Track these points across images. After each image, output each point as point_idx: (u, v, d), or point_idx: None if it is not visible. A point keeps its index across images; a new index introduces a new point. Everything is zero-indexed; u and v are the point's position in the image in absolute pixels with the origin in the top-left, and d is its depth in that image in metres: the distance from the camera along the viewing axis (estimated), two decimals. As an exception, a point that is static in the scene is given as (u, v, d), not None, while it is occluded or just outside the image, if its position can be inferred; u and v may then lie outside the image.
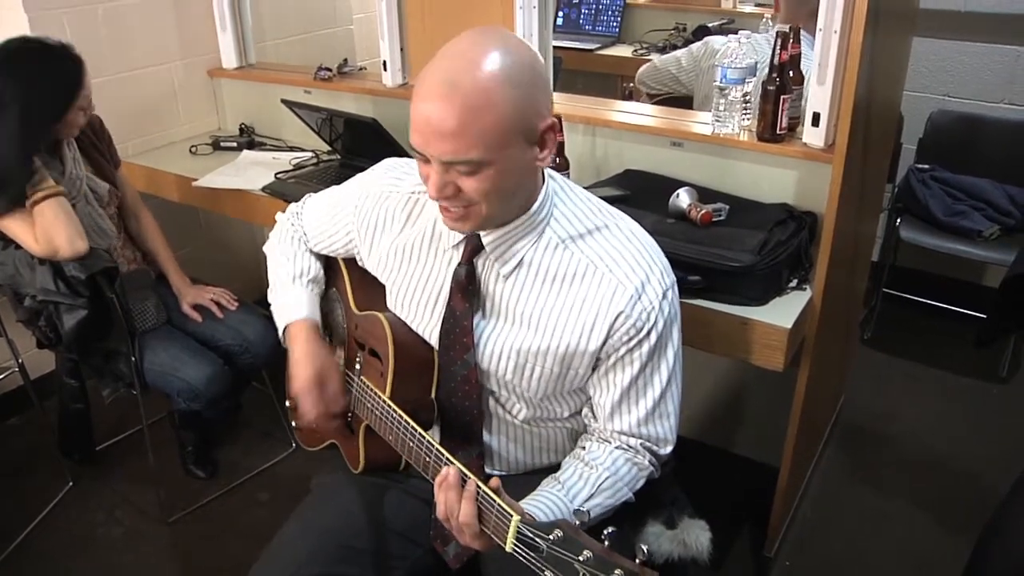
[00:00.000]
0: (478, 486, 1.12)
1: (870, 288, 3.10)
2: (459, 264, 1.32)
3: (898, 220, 3.14)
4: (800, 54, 1.94)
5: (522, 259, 1.29)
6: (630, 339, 1.26)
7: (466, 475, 1.14)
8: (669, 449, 1.37)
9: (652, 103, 3.04)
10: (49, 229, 1.99)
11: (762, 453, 2.45)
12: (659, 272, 1.28)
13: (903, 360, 3.20)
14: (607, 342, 1.27)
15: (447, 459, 1.20)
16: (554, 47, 3.23)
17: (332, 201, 1.54)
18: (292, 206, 1.65)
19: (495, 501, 1.08)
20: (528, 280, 1.29)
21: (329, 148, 2.69)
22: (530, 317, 1.29)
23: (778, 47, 1.90)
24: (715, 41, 2.85)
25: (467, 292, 1.32)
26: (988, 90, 3.25)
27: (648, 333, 1.26)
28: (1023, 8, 3.01)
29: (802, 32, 1.98)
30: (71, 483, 2.55)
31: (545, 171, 1.29)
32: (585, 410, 1.39)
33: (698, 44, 2.92)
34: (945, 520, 2.37)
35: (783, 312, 1.75)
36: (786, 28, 1.97)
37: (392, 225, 1.41)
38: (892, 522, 2.38)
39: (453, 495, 1.14)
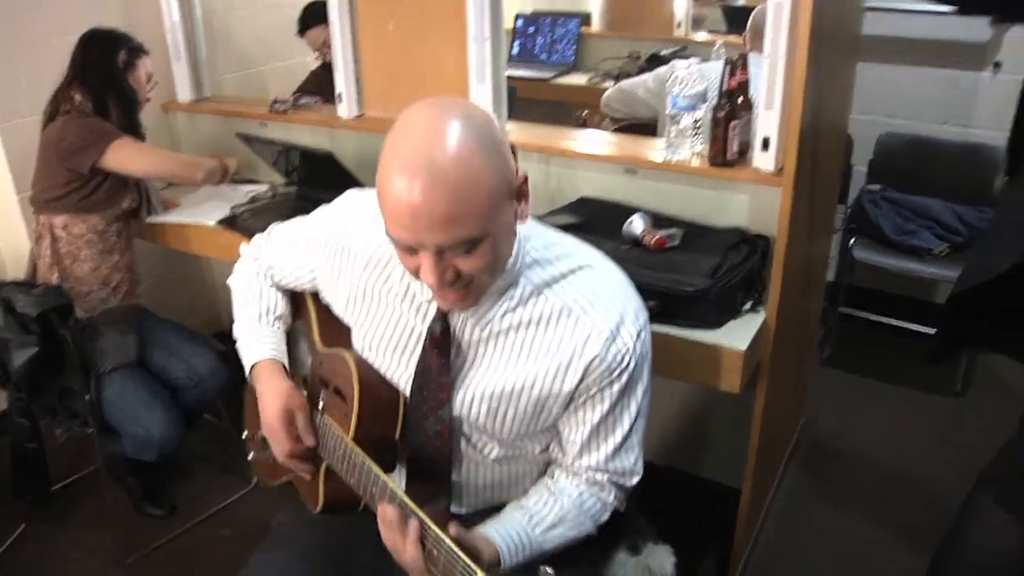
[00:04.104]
0: (437, 533, 1.09)
1: (827, 308, 3.14)
2: (434, 320, 1.29)
3: (851, 240, 3.20)
4: (748, 80, 1.97)
5: (499, 310, 1.27)
6: (603, 379, 1.26)
7: (427, 526, 1.11)
8: (636, 480, 1.38)
9: (616, 128, 3.08)
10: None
11: (725, 475, 2.47)
12: (633, 312, 1.28)
13: (861, 378, 3.24)
14: (581, 383, 1.26)
15: (411, 508, 1.15)
16: (510, 77, 3.26)
17: (296, 235, 1.51)
18: (256, 237, 1.62)
19: (456, 554, 1.06)
20: (503, 327, 1.28)
21: (286, 181, 2.69)
22: (505, 362, 1.28)
23: (726, 74, 1.94)
24: (680, 64, 2.89)
25: (442, 347, 1.30)
26: (932, 112, 3.35)
27: (621, 373, 1.26)
28: (957, 35, 3.11)
29: (752, 57, 2.02)
30: (24, 525, 2.49)
31: None
32: (553, 444, 1.38)
33: (664, 68, 2.96)
34: (907, 536, 2.40)
35: (738, 335, 1.77)
36: (735, 55, 2.01)
37: (356, 266, 1.38)
38: (854, 541, 2.41)
39: (395, 535, 1.12)
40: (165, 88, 2.90)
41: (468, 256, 1.11)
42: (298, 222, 1.53)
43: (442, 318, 1.29)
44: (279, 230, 1.57)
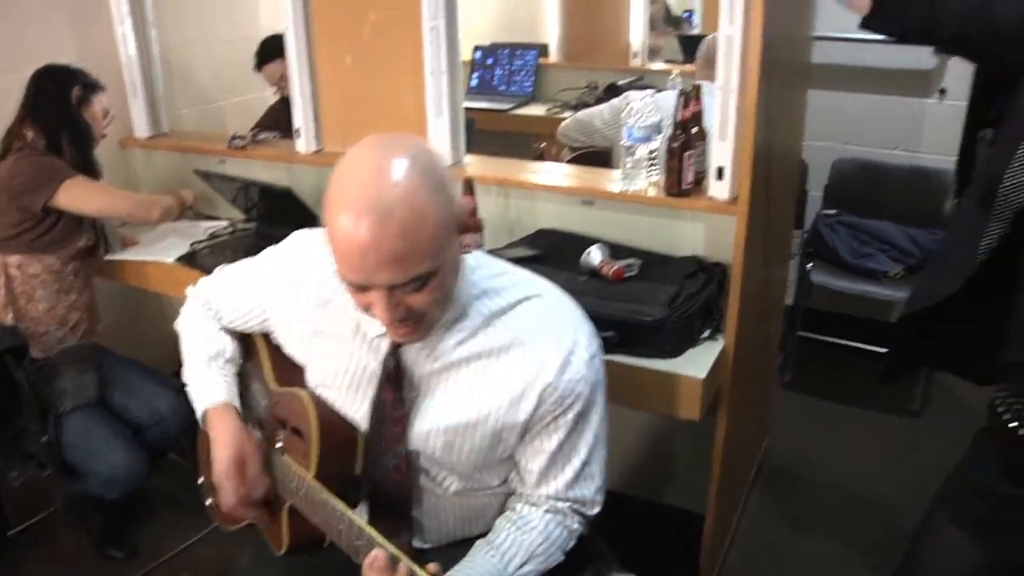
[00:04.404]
0: (413, 571, 1.09)
1: (786, 331, 3.18)
2: (387, 355, 1.30)
3: (809, 264, 3.25)
4: (701, 111, 2.01)
5: (450, 343, 1.27)
6: (557, 407, 1.27)
7: (398, 557, 1.11)
8: (597, 510, 1.38)
9: (572, 157, 3.11)
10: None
11: (689, 501, 2.48)
12: (585, 340, 1.29)
13: (822, 400, 3.28)
14: (536, 413, 1.27)
15: (379, 543, 1.15)
16: (469, 108, 3.28)
17: (243, 278, 1.50)
18: (203, 280, 1.61)
19: None
20: (456, 359, 1.28)
21: (245, 217, 2.68)
22: (459, 394, 1.28)
23: (680, 106, 1.97)
24: (634, 96, 2.93)
25: (396, 382, 1.30)
26: (883, 138, 3.42)
27: (574, 401, 1.27)
28: (903, 64, 3.21)
29: (706, 87, 2.06)
30: (-20, 572, 2.44)
31: None
32: (513, 475, 1.38)
33: (619, 99, 3.00)
34: (871, 556, 2.42)
35: (697, 363, 1.78)
36: (690, 84, 2.05)
37: (306, 305, 1.38)
38: (819, 563, 2.42)
39: None
40: (122, 124, 2.89)
41: (419, 292, 1.13)
42: (245, 263, 1.52)
43: (394, 353, 1.29)
44: (226, 272, 1.56)
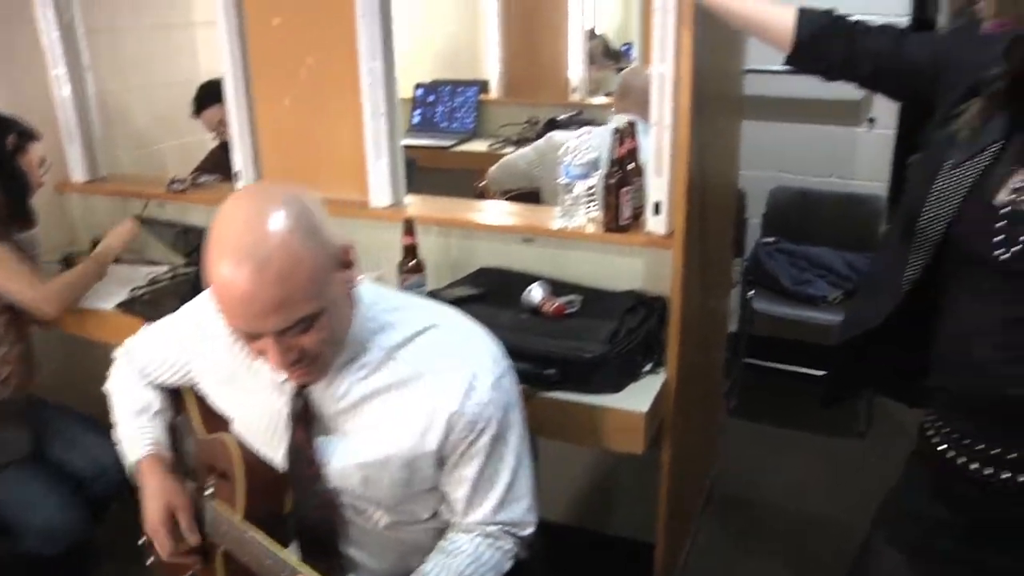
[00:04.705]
0: None
1: (731, 358, 3.23)
2: (294, 396, 1.32)
3: (751, 292, 3.31)
4: (636, 148, 2.04)
5: (353, 379, 1.30)
6: (468, 434, 1.28)
7: None
8: (530, 531, 1.40)
9: (504, 199, 3.14)
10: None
11: (639, 531, 2.48)
12: (489, 362, 1.31)
13: (768, 425, 3.33)
14: (447, 440, 1.28)
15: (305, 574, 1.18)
16: (411, 146, 3.30)
17: (163, 335, 1.54)
18: (128, 341, 1.64)
19: None
20: (362, 395, 1.30)
21: (185, 261, 2.65)
22: (369, 429, 1.31)
23: (616, 143, 2.01)
24: (557, 135, 2.99)
25: (305, 422, 1.32)
26: (818, 166, 3.51)
27: (486, 425, 1.29)
28: (833, 94, 3.32)
29: (640, 123, 2.10)
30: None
31: (355, 289, 1.30)
32: (443, 506, 1.40)
33: (543, 140, 3.05)
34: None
35: (639, 397, 1.80)
36: (624, 122, 2.09)
37: (220, 356, 1.41)
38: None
39: None
40: (58, 168, 2.85)
41: (307, 333, 1.16)
42: (167, 319, 1.56)
43: (301, 394, 1.32)
44: (149, 330, 1.60)
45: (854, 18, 1.48)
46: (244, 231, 1.11)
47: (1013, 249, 1.12)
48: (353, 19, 2.19)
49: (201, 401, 1.53)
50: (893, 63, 1.41)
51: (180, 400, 1.59)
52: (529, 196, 3.02)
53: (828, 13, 1.50)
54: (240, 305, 1.11)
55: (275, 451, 1.38)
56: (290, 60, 2.35)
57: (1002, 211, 1.15)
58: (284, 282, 1.09)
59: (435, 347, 1.31)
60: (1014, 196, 1.14)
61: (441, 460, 1.31)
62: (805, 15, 1.49)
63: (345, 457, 1.32)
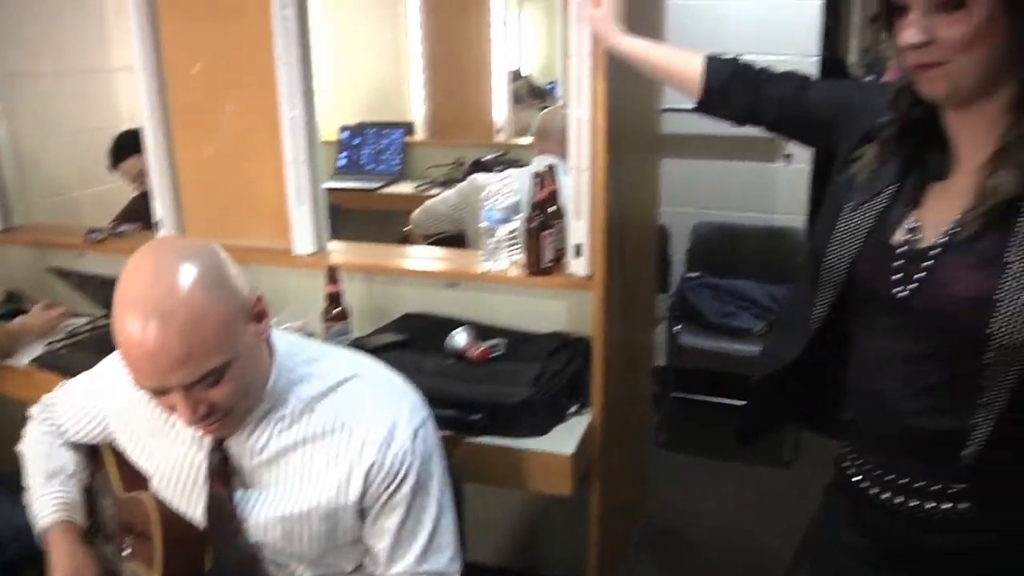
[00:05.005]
0: None
1: (660, 393, 3.27)
2: (212, 451, 1.31)
3: (677, 327, 3.36)
4: (556, 191, 2.07)
5: (272, 432, 1.29)
6: (389, 485, 1.28)
7: None
8: None
9: (428, 243, 3.15)
10: None
11: (571, 570, 2.48)
12: (407, 412, 1.31)
13: (698, 457, 3.37)
14: (367, 492, 1.28)
15: None
16: (337, 189, 3.29)
17: (82, 390, 1.51)
18: (45, 398, 1.60)
19: None
20: (280, 447, 1.30)
21: (105, 313, 2.59)
22: (289, 482, 1.30)
23: (536, 187, 2.03)
24: (479, 178, 3.01)
25: (224, 476, 1.31)
26: (738, 201, 3.60)
27: (406, 476, 1.29)
28: (749, 131, 3.42)
29: (561, 164, 2.13)
30: None
31: (270, 341, 1.30)
32: (366, 558, 1.39)
33: (465, 182, 3.07)
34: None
35: (565, 439, 1.81)
36: (543, 166, 2.12)
37: (140, 410, 1.38)
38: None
39: None
40: (-31, 218, 2.79)
41: (217, 387, 1.15)
42: (83, 375, 1.53)
43: (219, 448, 1.31)
44: (66, 387, 1.57)
45: (760, 65, 1.53)
46: (148, 286, 1.11)
47: (910, 287, 1.16)
48: (273, 66, 2.19)
49: (120, 457, 1.50)
50: (795, 110, 1.46)
51: (99, 457, 1.55)
52: (453, 239, 3.03)
53: (734, 60, 1.55)
54: (145, 361, 1.10)
55: (195, 506, 1.36)
56: (210, 108, 2.34)
57: (899, 250, 1.19)
58: (189, 335, 1.09)
59: (355, 398, 1.31)
60: (909, 236, 1.19)
61: (363, 512, 1.31)
62: (712, 63, 1.54)
63: (265, 511, 1.31)
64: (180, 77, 2.35)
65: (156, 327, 1.08)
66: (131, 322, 1.10)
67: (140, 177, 2.85)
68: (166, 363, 1.10)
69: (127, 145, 2.87)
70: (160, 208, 2.49)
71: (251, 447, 1.30)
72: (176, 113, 2.41)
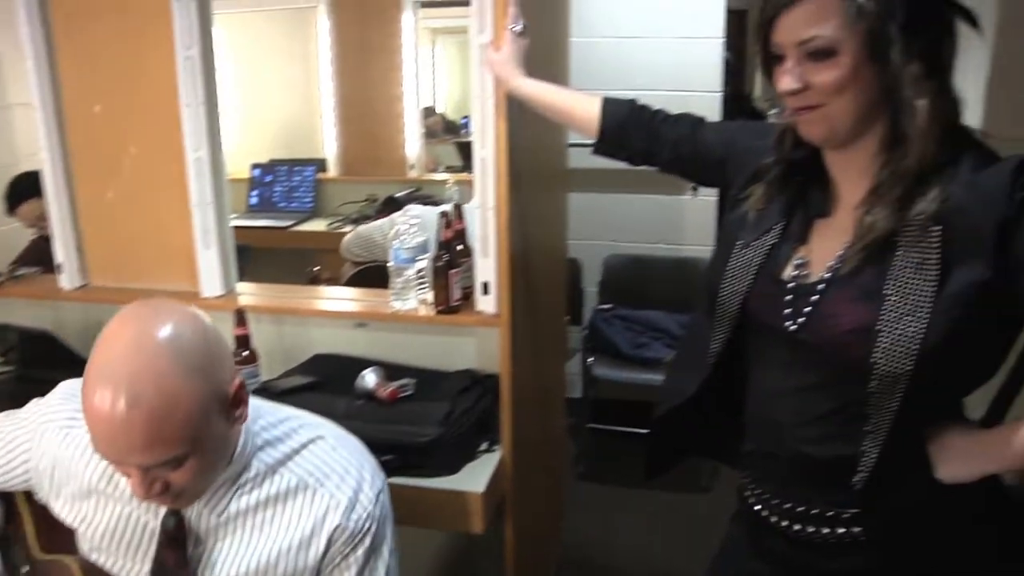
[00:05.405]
0: None
1: (577, 425, 3.30)
2: (166, 514, 1.26)
3: (591, 359, 3.40)
4: (464, 229, 2.09)
5: (232, 495, 1.26)
6: (346, 546, 1.27)
7: None
8: None
9: (356, 271, 3.13)
10: None
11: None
12: (370, 476, 1.32)
13: (617, 488, 3.40)
14: (327, 554, 1.27)
15: None
16: (248, 227, 3.24)
17: (4, 432, 1.41)
18: None
19: None
20: (240, 509, 1.26)
21: (2, 361, 2.50)
22: (247, 543, 1.27)
23: (442, 226, 2.05)
24: (415, 209, 3.01)
25: (177, 541, 1.26)
26: (648, 233, 3.69)
27: (363, 538, 1.28)
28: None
29: (467, 205, 2.14)
30: None
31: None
32: None
33: (400, 212, 3.06)
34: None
35: (475, 477, 1.82)
36: (450, 204, 2.14)
37: (77, 460, 1.31)
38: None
39: None
40: None
41: (176, 471, 1.11)
42: (5, 417, 1.44)
43: (174, 511, 1.26)
44: None
45: (656, 107, 1.58)
46: (124, 358, 1.06)
47: (799, 320, 1.21)
48: (177, 108, 2.17)
49: (37, 513, 1.42)
50: (690, 149, 1.51)
51: (10, 509, 1.45)
52: (384, 269, 3.02)
53: (631, 102, 1.59)
54: (107, 436, 1.06)
55: (137, 571, 1.30)
56: (112, 150, 2.29)
57: (788, 285, 1.23)
58: (156, 423, 1.05)
59: (320, 460, 1.29)
60: (798, 271, 1.24)
61: (318, 572, 1.29)
62: (609, 105, 1.58)
63: (221, 572, 1.27)
64: (80, 116, 2.31)
65: (124, 406, 1.03)
66: (100, 394, 1.04)
67: (39, 221, 2.77)
68: (126, 445, 1.05)
69: (23, 189, 2.79)
70: (61, 251, 2.43)
71: (211, 508, 1.25)
72: (77, 153, 2.35)
